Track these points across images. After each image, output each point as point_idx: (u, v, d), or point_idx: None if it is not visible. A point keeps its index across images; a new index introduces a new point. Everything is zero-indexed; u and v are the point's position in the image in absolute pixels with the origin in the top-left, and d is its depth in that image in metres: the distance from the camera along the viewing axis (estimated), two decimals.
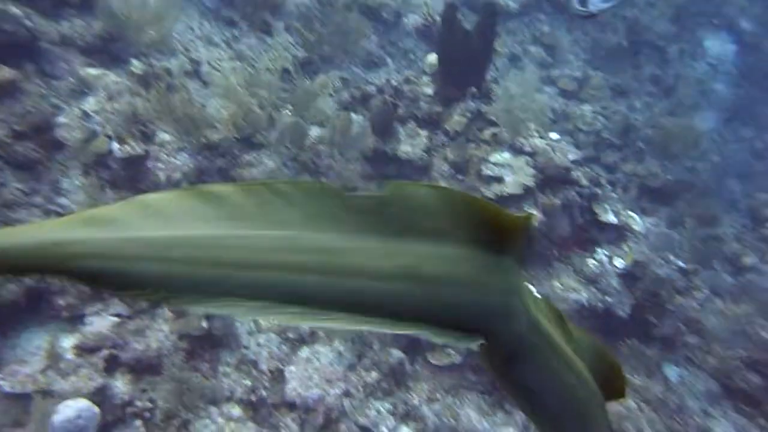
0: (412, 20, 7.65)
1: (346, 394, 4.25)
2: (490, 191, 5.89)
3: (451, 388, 4.96)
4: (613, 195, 6.58)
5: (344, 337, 4.57)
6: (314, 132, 5.81)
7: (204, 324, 3.83)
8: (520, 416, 5.02)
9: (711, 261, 7.16)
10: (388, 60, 7.37)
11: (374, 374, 4.57)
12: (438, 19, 6.86)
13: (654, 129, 7.84)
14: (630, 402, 5.29)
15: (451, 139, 6.51)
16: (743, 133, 9.66)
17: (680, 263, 6.52)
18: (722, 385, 6.04)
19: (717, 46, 9.80)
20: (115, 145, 4.42)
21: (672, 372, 6.21)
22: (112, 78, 4.85)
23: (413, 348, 4.97)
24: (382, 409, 4.45)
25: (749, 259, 7.50)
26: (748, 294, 6.67)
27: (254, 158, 5.05)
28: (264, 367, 4.19)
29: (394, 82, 6.60)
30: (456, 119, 6.45)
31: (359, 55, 7.04)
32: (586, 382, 0.95)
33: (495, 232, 0.76)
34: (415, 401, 4.61)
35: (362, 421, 4.19)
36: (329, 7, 6.79)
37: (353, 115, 6.01)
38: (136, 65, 5.04)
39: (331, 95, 6.41)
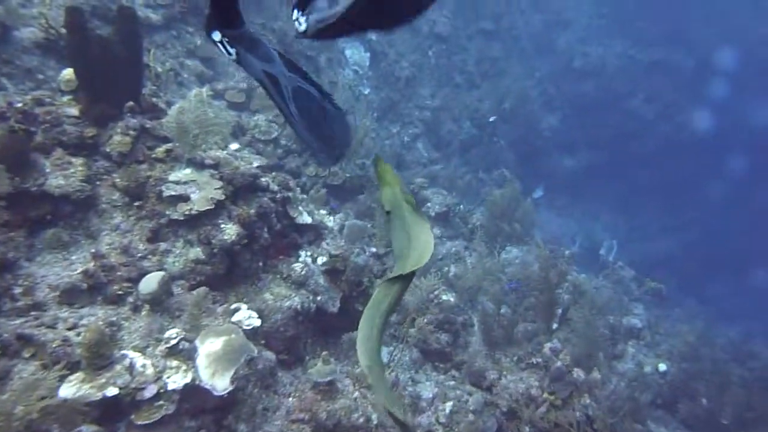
0: (27, 34, 6.16)
1: None
2: (177, 212, 5.19)
3: None
4: (304, 197, 6.64)
5: None
6: None
7: None
8: None
9: None
10: (5, 81, 5.81)
11: None
12: (62, 30, 5.68)
13: None
14: (349, 388, 5.32)
15: (117, 163, 5.52)
16: (392, 129, 11.20)
17: (373, 249, 7.03)
18: (421, 351, 6.72)
19: (356, 54, 11.10)
20: None
21: (384, 353, 6.65)
22: None
23: (110, 416, 3.93)
24: None
25: None
26: (429, 267, 7.63)
27: None
28: None
29: (19, 105, 5.22)
30: (118, 140, 5.49)
31: None
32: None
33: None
34: None
35: None
36: None
37: None
38: None
39: None
